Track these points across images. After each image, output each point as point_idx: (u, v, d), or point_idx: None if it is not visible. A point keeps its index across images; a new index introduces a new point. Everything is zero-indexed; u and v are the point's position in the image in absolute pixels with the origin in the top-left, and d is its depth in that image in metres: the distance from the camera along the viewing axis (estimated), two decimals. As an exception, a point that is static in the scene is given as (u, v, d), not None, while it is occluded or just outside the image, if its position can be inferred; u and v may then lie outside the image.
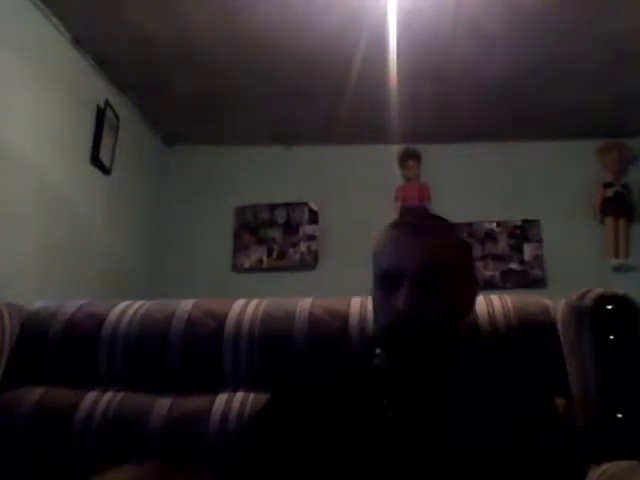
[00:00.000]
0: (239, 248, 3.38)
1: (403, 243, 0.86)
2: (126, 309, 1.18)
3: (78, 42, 2.52)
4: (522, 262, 3.23)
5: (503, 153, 3.37)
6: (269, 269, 3.32)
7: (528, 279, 3.19)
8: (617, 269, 3.12)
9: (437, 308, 0.82)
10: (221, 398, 1.06)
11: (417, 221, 0.90)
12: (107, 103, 2.77)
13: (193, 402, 1.06)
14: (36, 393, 1.10)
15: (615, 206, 3.18)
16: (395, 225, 0.91)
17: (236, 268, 3.34)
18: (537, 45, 2.55)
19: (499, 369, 0.87)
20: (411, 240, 0.85)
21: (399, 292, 0.81)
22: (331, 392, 0.86)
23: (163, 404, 1.06)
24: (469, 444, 0.75)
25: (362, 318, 1.08)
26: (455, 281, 0.85)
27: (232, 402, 1.05)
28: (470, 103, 3.00)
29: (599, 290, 1.00)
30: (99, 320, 1.16)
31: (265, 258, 3.36)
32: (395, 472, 0.75)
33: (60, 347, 1.15)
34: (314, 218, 3.38)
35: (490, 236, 3.31)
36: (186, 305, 1.18)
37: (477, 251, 3.28)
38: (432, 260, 0.83)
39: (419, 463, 0.75)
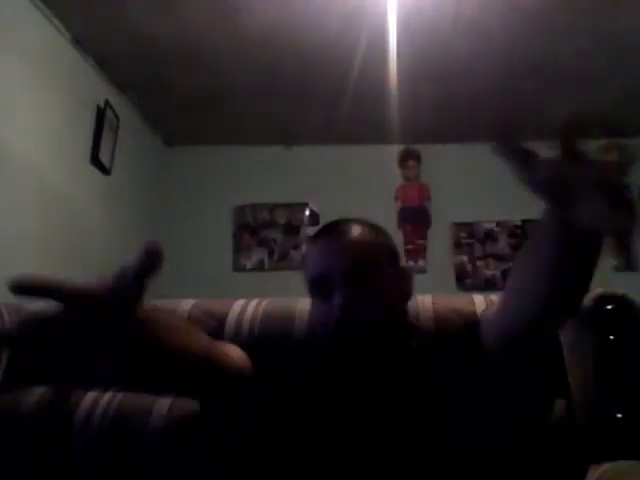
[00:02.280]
0: (240, 249, 3.39)
1: (324, 250, 0.90)
2: (126, 309, 1.18)
3: (78, 42, 2.52)
4: (523, 262, 3.23)
5: (503, 153, 3.37)
6: (270, 271, 3.33)
7: (529, 279, 3.18)
8: (617, 269, 3.12)
9: (371, 304, 0.84)
10: (221, 398, 1.06)
11: (335, 227, 0.94)
12: (107, 103, 2.77)
13: (193, 402, 1.06)
14: (36, 393, 1.10)
15: (615, 206, 3.17)
16: (315, 236, 0.95)
17: (238, 269, 3.34)
18: (537, 44, 2.55)
19: (499, 369, 0.87)
20: (331, 245, 0.90)
21: (332, 298, 0.84)
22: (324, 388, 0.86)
23: (163, 404, 1.06)
24: (469, 444, 0.75)
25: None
26: (381, 273, 0.88)
27: (232, 402, 1.05)
28: (470, 103, 3.00)
29: (599, 290, 1.00)
30: (99, 320, 1.16)
31: (266, 260, 3.36)
32: (385, 470, 0.76)
33: (60, 347, 1.15)
34: (315, 219, 3.38)
35: (490, 236, 3.31)
36: (186, 305, 1.18)
37: (477, 251, 3.28)
38: (354, 259, 0.86)
39: (416, 463, 0.75)
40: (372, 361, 0.84)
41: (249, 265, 3.35)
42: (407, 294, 0.95)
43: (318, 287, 0.88)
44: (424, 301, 1.11)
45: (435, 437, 0.77)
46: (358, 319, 0.83)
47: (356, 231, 0.91)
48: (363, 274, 0.85)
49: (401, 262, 0.97)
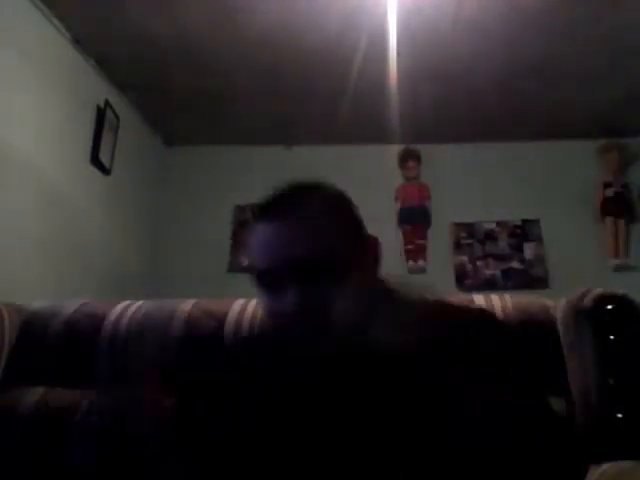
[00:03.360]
0: (237, 246, 3.38)
1: (269, 236, 0.74)
2: (126, 309, 1.18)
3: (78, 42, 2.51)
4: (523, 261, 3.23)
5: (503, 153, 3.37)
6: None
7: (529, 278, 3.19)
8: (617, 269, 3.12)
9: (332, 300, 0.72)
10: (221, 398, 1.06)
11: (280, 204, 0.76)
12: (107, 103, 2.77)
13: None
14: (36, 393, 1.10)
15: (615, 206, 3.17)
16: (258, 214, 0.77)
17: (234, 266, 3.33)
18: (537, 44, 2.55)
19: (498, 369, 0.87)
20: (277, 230, 0.74)
21: (285, 293, 0.72)
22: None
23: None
24: (468, 444, 0.75)
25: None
26: (343, 262, 0.73)
27: (232, 402, 1.05)
28: (470, 103, 3.00)
29: (599, 290, 1.00)
30: (99, 320, 1.16)
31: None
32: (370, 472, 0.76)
33: (60, 347, 1.15)
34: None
35: (490, 236, 3.31)
36: (186, 305, 1.18)
37: (477, 251, 3.28)
38: (307, 249, 0.71)
39: (416, 463, 0.75)
40: (366, 361, 0.82)
41: (245, 262, 3.34)
42: (370, 280, 0.79)
43: (267, 280, 0.75)
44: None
45: (434, 437, 0.77)
46: (317, 320, 0.73)
47: (307, 209, 0.75)
48: (320, 267, 0.72)
49: (365, 232, 0.81)
